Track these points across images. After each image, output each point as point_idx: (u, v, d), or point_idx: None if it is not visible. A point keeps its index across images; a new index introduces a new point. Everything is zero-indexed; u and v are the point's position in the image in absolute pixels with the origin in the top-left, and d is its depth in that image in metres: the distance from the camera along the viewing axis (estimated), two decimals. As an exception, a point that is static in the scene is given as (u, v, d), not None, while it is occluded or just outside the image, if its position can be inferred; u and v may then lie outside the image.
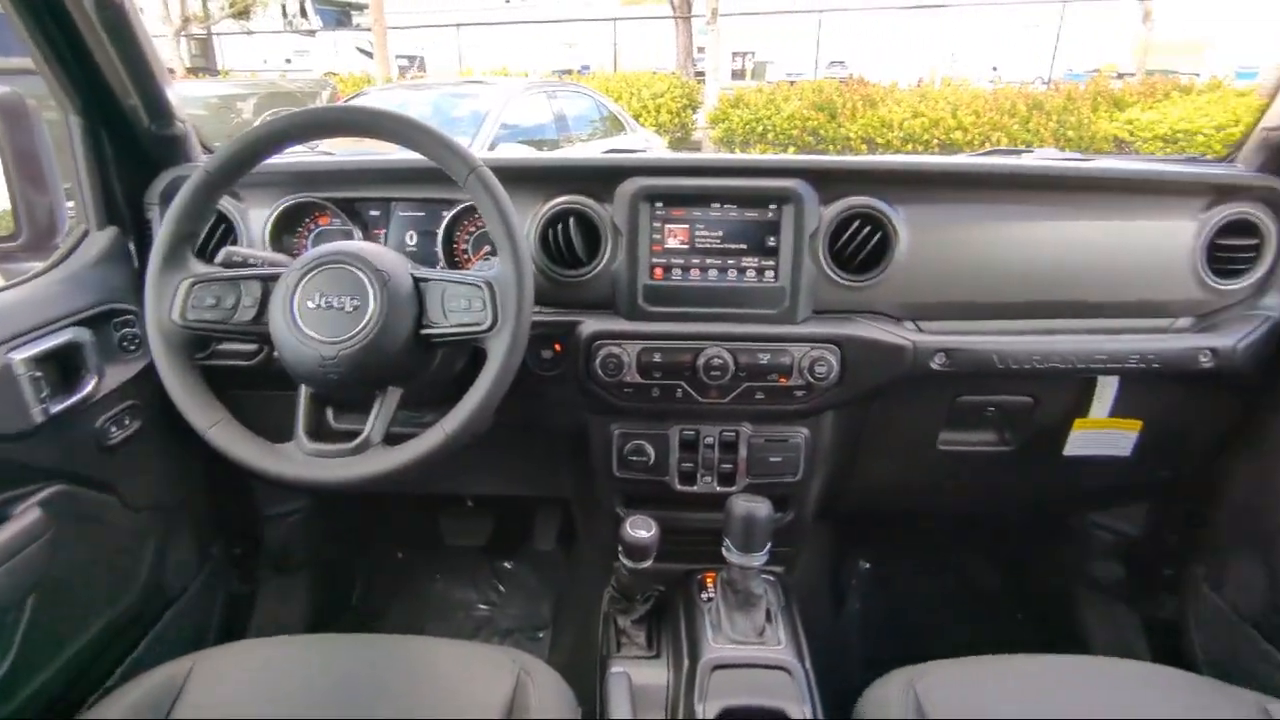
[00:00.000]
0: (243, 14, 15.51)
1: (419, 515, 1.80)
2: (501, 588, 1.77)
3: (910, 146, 8.15)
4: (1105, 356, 1.05)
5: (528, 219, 1.06)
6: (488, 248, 1.11)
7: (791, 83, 10.41)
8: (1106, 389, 1.13)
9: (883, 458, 1.24)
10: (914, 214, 1.05)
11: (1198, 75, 9.85)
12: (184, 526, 1.23)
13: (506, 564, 1.81)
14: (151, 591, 1.14)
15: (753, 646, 1.01)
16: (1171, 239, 1.06)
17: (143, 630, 1.13)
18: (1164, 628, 1.35)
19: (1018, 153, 1.26)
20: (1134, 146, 7.51)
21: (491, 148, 4.43)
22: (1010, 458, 1.21)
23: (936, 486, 1.33)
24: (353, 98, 5.73)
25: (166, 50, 13.53)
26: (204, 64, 15.83)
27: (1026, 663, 0.93)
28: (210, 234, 1.11)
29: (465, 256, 1.13)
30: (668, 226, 1.04)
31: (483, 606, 1.73)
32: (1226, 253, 1.06)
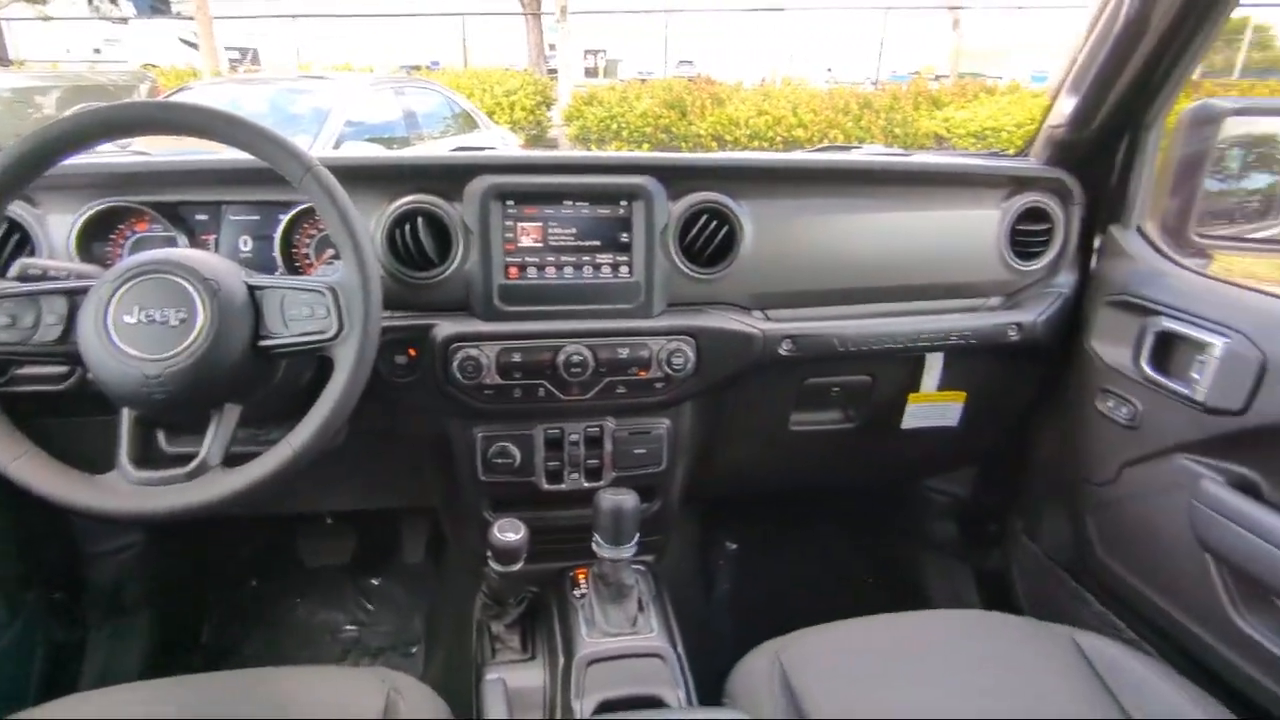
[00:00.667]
0: (37, -2, 13.80)
1: (273, 538, 1.69)
2: (369, 606, 1.69)
3: (756, 143, 8.53)
4: (931, 334, 1.15)
5: (372, 220, 1.02)
6: (331, 251, 1.06)
7: (643, 81, 10.60)
8: (934, 364, 1.23)
9: (740, 441, 1.29)
10: (757, 208, 1.10)
11: (1001, 78, 10.94)
12: None
13: (373, 581, 1.73)
14: None
15: (626, 637, 1.02)
16: (980, 226, 1.18)
17: None
18: (992, 577, 1.50)
19: (848, 149, 1.35)
20: (951, 142, 8.25)
21: (337, 146, 4.22)
22: (855, 434, 1.30)
23: (791, 465, 1.41)
24: (175, 92, 5.26)
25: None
26: (-11, 53, 13.96)
27: (877, 623, 1.00)
28: (1, 245, 0.99)
29: (307, 261, 1.07)
30: (520, 225, 1.03)
31: (350, 627, 1.65)
32: (1025, 237, 1.19)
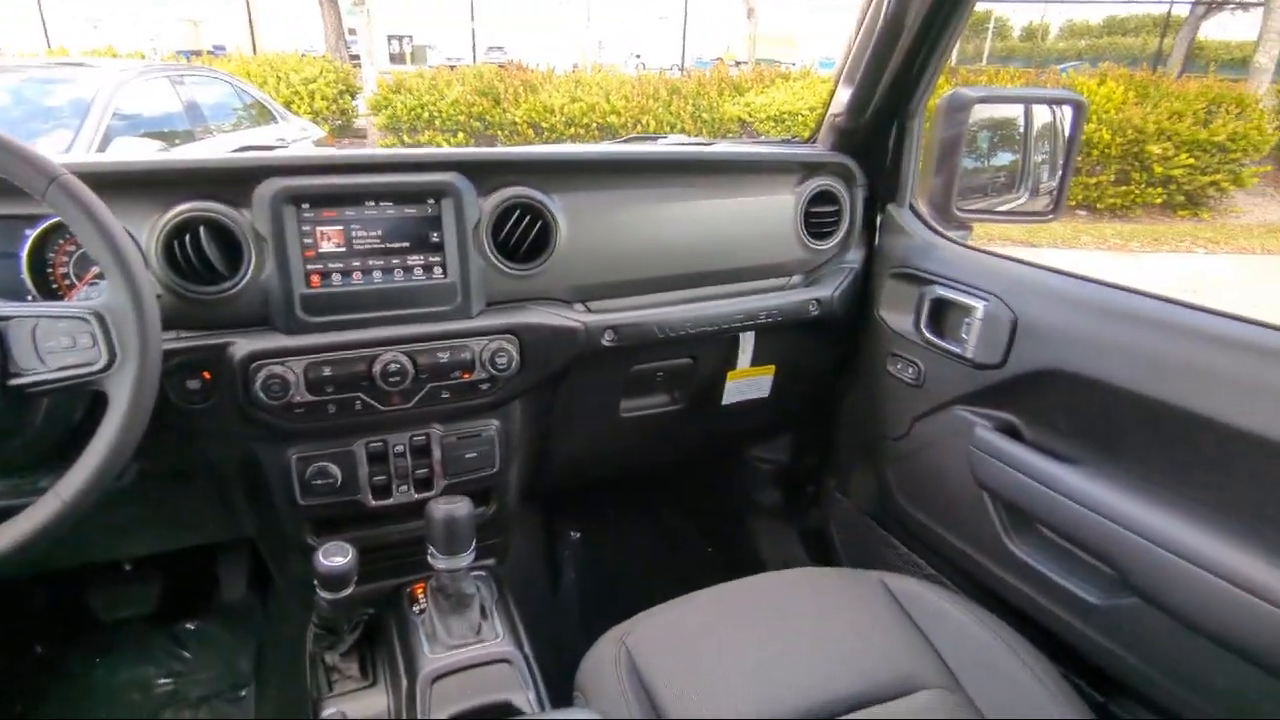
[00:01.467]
0: None
1: (58, 595, 1.48)
2: (185, 654, 1.54)
3: (573, 130, 8.56)
4: (742, 315, 1.22)
5: (144, 232, 0.91)
6: (95, 270, 0.94)
7: (452, 67, 10.26)
8: (747, 342, 1.31)
9: (573, 433, 1.30)
10: (569, 201, 1.10)
11: (794, 64, 11.69)
12: None
13: (188, 625, 1.57)
14: None
15: (471, 647, 1.01)
16: (778, 210, 1.26)
17: None
18: (814, 534, 1.63)
19: (654, 138, 1.39)
20: (754, 126, 8.71)
21: (105, 143, 3.72)
22: (682, 414, 1.36)
23: (625, 451, 1.44)
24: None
25: None
26: None
27: (710, 594, 1.05)
28: None
29: (67, 283, 0.94)
30: (319, 229, 0.97)
31: (164, 681, 1.49)
32: (817, 219, 1.29)
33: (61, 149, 3.45)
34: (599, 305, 1.15)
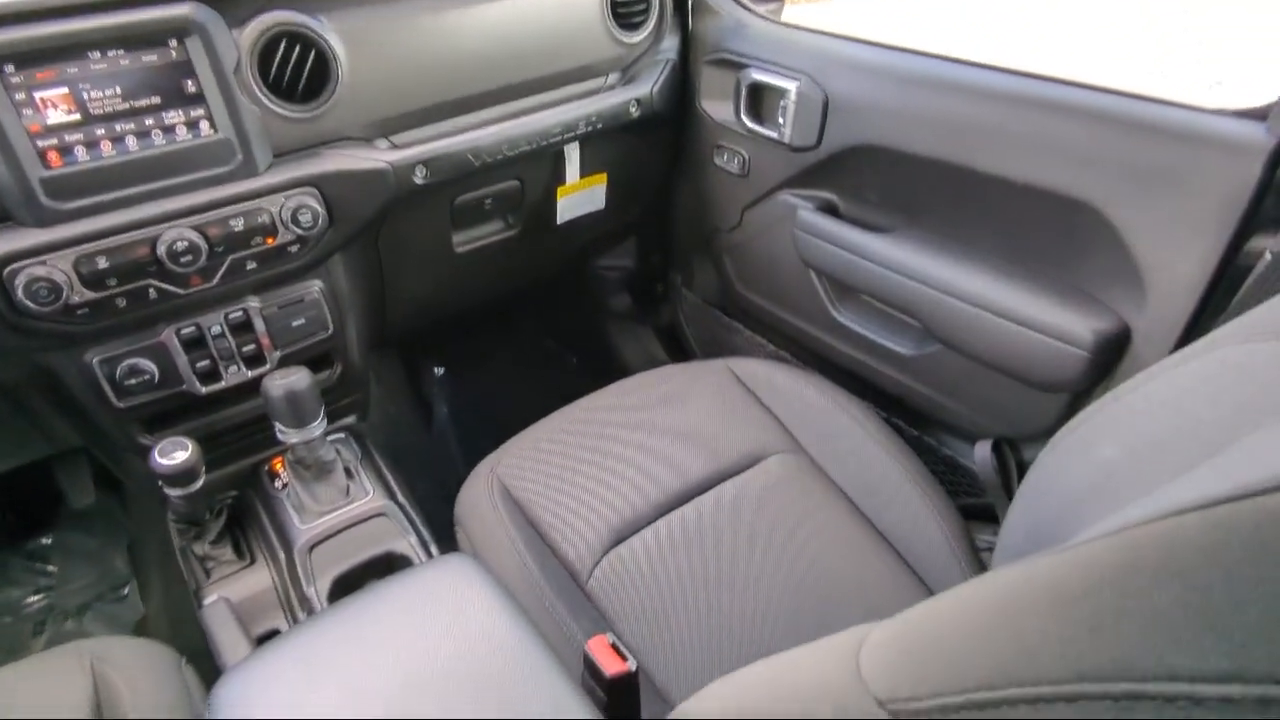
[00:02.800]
0: None
1: None
2: (50, 567, 1.47)
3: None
4: (561, 127, 1.16)
5: None
6: None
7: None
8: (573, 155, 1.26)
9: (408, 279, 1.25)
10: (342, 23, 0.96)
11: None
12: None
13: (43, 540, 1.49)
14: None
15: (342, 510, 1.01)
16: (580, 4, 1.16)
17: None
18: (669, 331, 1.70)
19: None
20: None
21: None
22: (518, 239, 1.32)
23: (468, 286, 1.41)
24: None
25: None
26: None
27: (573, 409, 1.09)
28: None
29: None
30: (38, 95, 0.80)
31: (34, 598, 1.43)
32: (625, 8, 1.20)
33: None
34: (404, 139, 1.05)
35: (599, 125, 1.20)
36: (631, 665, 0.54)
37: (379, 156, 1.02)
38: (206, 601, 0.95)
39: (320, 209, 0.97)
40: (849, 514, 0.94)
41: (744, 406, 1.07)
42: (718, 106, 1.26)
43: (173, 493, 0.92)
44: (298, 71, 0.94)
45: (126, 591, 1.45)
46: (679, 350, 1.68)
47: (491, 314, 1.85)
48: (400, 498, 1.05)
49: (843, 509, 0.95)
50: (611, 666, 0.53)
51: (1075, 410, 0.62)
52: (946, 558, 0.91)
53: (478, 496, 0.97)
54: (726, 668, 0.48)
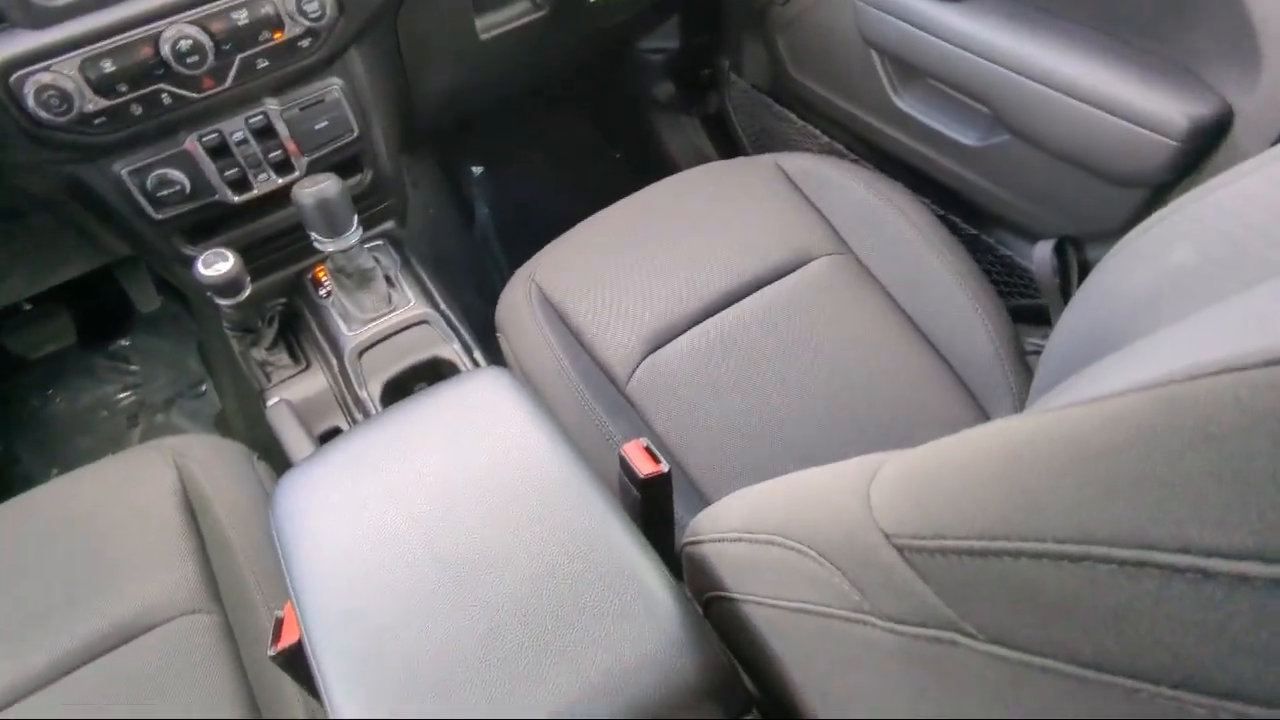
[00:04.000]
0: None
1: None
2: (133, 366, 1.58)
3: None
4: None
5: None
6: None
7: None
8: None
9: (434, 73, 1.16)
10: None
11: None
12: None
13: (123, 342, 1.59)
14: None
15: (385, 317, 1.03)
16: None
17: None
18: (715, 120, 1.58)
19: None
20: None
21: None
22: (547, 20, 1.20)
23: (499, 75, 1.31)
24: None
25: None
26: None
27: (613, 210, 1.05)
28: None
29: None
30: None
31: (124, 395, 1.56)
32: None
33: None
34: None
35: None
36: (664, 468, 0.55)
37: None
38: (269, 403, 1.01)
39: None
40: (895, 317, 0.92)
41: (791, 206, 1.01)
42: None
43: (222, 302, 0.94)
44: None
45: (204, 389, 1.56)
46: (727, 142, 1.57)
47: (528, 107, 1.75)
48: (442, 306, 1.06)
49: (888, 312, 0.92)
50: (645, 468, 0.55)
51: (1154, 208, 0.56)
52: (990, 360, 0.88)
53: (517, 302, 0.96)
54: (763, 473, 0.49)
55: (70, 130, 0.83)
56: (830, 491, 0.37)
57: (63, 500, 0.82)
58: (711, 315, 0.92)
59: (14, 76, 0.78)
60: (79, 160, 0.89)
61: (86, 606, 0.73)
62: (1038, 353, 1.01)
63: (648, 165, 1.73)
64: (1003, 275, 1.12)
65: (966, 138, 1.01)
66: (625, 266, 0.96)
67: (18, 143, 0.82)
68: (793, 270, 0.95)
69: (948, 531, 0.27)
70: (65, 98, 0.80)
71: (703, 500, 0.81)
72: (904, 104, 1.07)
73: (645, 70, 1.57)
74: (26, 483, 1.43)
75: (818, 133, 1.29)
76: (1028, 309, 1.09)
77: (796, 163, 1.06)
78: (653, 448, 0.56)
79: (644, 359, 0.89)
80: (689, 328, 0.91)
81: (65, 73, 0.80)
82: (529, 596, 0.46)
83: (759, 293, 0.93)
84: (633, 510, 0.57)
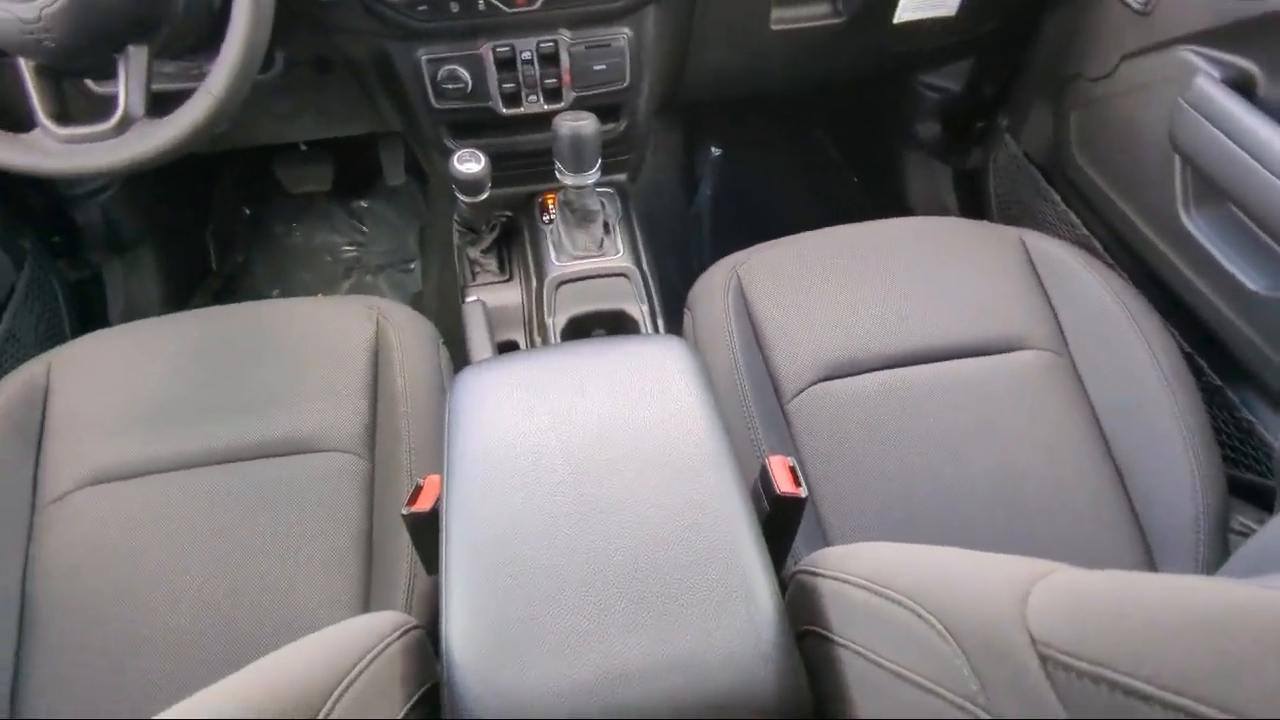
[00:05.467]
0: None
1: (255, 167, 1.68)
2: (363, 227, 1.76)
3: None
4: None
5: None
6: None
7: None
8: None
9: (716, 48, 1.19)
10: None
11: None
12: None
13: (363, 203, 1.77)
14: None
15: (593, 259, 1.08)
16: None
17: None
18: (969, 178, 1.50)
19: None
20: None
21: None
22: (843, 29, 1.18)
23: (774, 67, 1.31)
24: None
25: None
26: None
27: (837, 231, 1.03)
28: None
29: None
30: None
31: (348, 248, 1.74)
32: None
33: None
34: None
35: None
36: (803, 492, 0.54)
37: None
38: (468, 299, 1.09)
39: None
40: (1091, 436, 0.84)
41: (1020, 286, 0.95)
42: None
43: (462, 198, 1.02)
44: None
45: (413, 267, 1.71)
46: (974, 201, 1.49)
47: (784, 105, 1.74)
48: (645, 265, 1.09)
49: (1087, 428, 0.84)
50: (784, 485, 0.54)
51: None
52: (1186, 522, 0.79)
53: (713, 286, 0.98)
54: (899, 536, 0.47)
55: (396, 9, 0.93)
56: (982, 577, 0.36)
57: (281, 319, 0.93)
58: (898, 366, 0.88)
59: None
60: (393, 37, 1.00)
61: (272, 413, 0.84)
62: (1244, 534, 0.89)
63: (882, 200, 1.68)
64: (1235, 440, 0.99)
65: (1254, 282, 0.89)
66: (829, 288, 0.95)
67: (354, 10, 0.93)
68: (1000, 352, 0.90)
69: (1112, 663, 0.26)
70: None
71: (823, 538, 0.79)
72: (1192, 224, 0.96)
73: (918, 104, 1.52)
74: (252, 293, 1.65)
75: (1078, 222, 1.19)
76: (1249, 485, 0.96)
77: (1043, 244, 0.99)
78: (798, 470, 0.56)
79: (815, 383, 0.88)
80: (871, 370, 0.88)
81: None
82: (646, 555, 0.47)
83: (956, 362, 0.89)
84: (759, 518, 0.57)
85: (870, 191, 1.74)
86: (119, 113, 0.75)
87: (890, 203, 1.65)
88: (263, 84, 1.00)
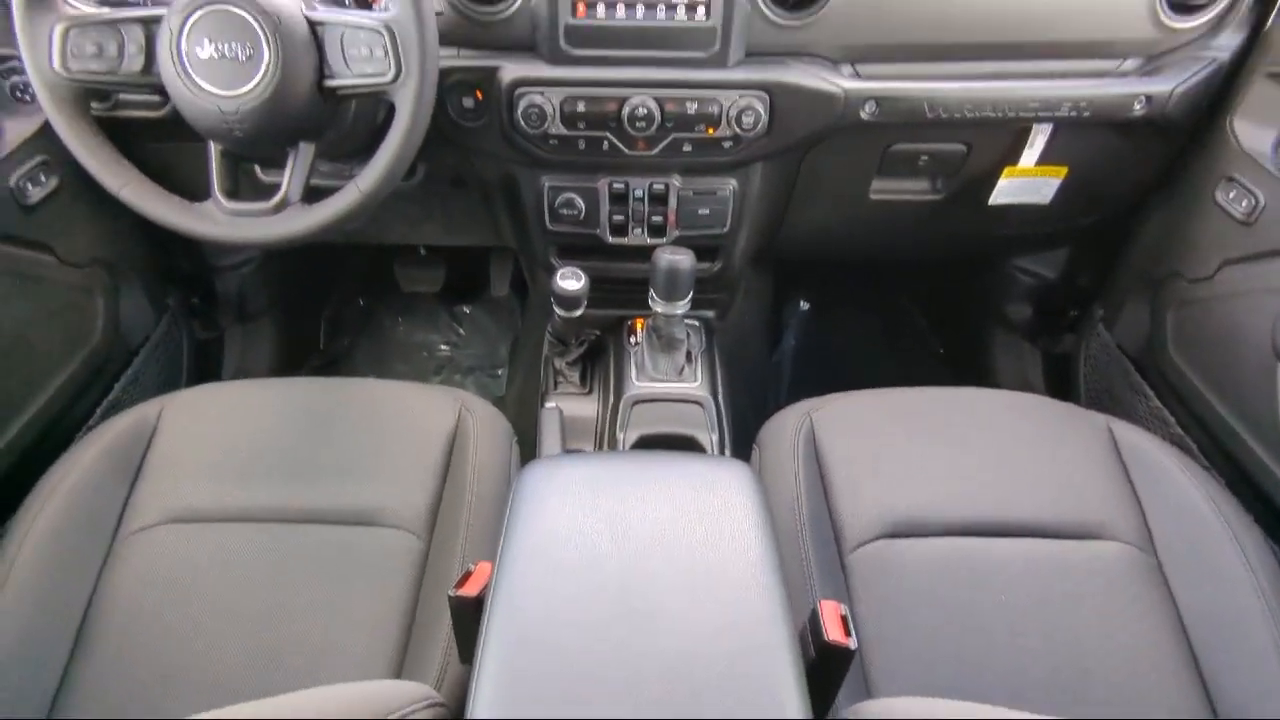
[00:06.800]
0: None
1: (375, 263, 1.84)
2: (461, 330, 1.87)
3: None
4: (1037, 104, 1.03)
5: None
6: None
7: None
8: (1040, 136, 1.12)
9: (814, 208, 1.26)
10: None
11: None
12: (132, 280, 1.26)
13: (465, 309, 1.89)
14: (111, 343, 1.20)
15: (671, 384, 1.11)
16: None
17: (111, 380, 1.21)
18: (1060, 363, 1.49)
19: None
20: None
21: None
22: (939, 206, 1.24)
23: (869, 235, 1.37)
24: None
25: None
26: None
27: (915, 392, 1.03)
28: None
29: None
30: None
31: (444, 347, 1.84)
32: None
33: None
34: (868, 69, 1.03)
35: (1086, 113, 1.04)
36: (852, 644, 0.52)
37: (837, 81, 1.01)
38: (547, 405, 1.13)
39: (764, 115, 1.01)
40: (1175, 647, 0.78)
41: (1105, 474, 0.92)
42: (1254, 131, 1.01)
43: (559, 311, 1.09)
44: None
45: (500, 373, 1.79)
46: (1062, 389, 1.46)
47: (878, 270, 1.80)
48: (720, 397, 1.11)
49: (1170, 636, 0.78)
50: (835, 634, 0.53)
51: None
52: None
53: (785, 427, 0.98)
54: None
55: (531, 141, 1.04)
56: None
57: (374, 396, 0.99)
58: (970, 535, 0.85)
59: (519, 90, 1.00)
60: (521, 164, 1.11)
61: (346, 483, 0.88)
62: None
63: (967, 374, 1.67)
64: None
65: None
66: (903, 445, 0.94)
67: (495, 136, 1.05)
68: (1078, 537, 0.86)
69: None
70: (542, 117, 1.01)
71: (866, 690, 0.75)
72: (1297, 435, 0.92)
73: (1011, 286, 1.54)
74: (351, 374, 1.75)
75: (1171, 420, 1.15)
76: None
77: (1133, 436, 0.96)
78: (850, 620, 0.54)
79: (879, 538, 0.85)
80: (941, 535, 0.85)
81: (551, 100, 1.01)
82: (684, 674, 0.46)
83: (1029, 540, 0.85)
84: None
85: (955, 364, 1.74)
86: (280, 195, 0.85)
87: (974, 377, 1.64)
88: (402, 190, 1.13)
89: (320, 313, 1.81)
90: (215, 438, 0.93)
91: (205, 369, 1.50)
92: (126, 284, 1.24)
